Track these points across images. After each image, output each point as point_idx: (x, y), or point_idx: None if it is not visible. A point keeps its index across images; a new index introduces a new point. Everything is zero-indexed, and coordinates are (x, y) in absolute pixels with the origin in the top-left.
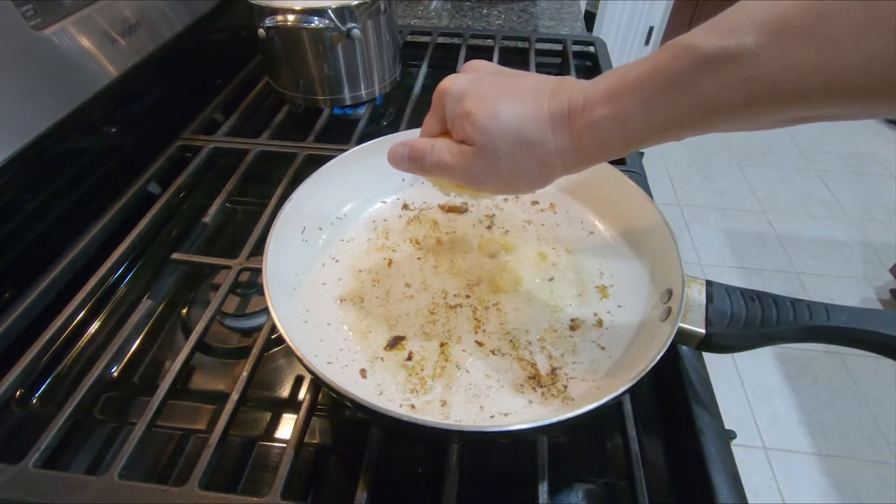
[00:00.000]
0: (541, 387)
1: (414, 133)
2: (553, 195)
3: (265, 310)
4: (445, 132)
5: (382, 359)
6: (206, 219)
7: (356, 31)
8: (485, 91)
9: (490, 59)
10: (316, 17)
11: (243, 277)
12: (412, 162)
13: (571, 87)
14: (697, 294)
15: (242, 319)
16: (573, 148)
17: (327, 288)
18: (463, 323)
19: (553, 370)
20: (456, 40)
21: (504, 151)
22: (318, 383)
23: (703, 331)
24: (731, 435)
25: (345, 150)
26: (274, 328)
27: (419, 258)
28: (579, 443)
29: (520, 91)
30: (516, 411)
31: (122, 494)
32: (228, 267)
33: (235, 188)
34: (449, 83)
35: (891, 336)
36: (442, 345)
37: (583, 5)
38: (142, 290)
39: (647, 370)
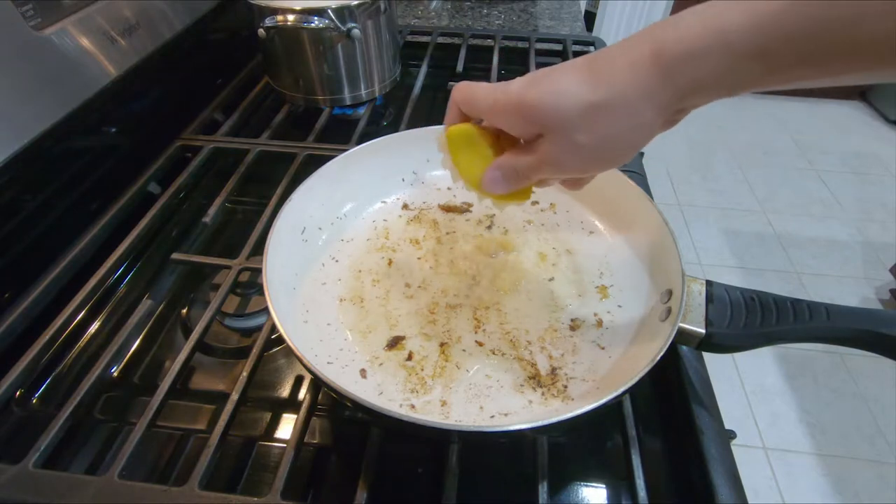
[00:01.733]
0: (541, 387)
1: (415, 133)
2: (553, 195)
3: (265, 310)
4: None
5: (382, 359)
6: (206, 219)
7: (356, 31)
8: (537, 78)
9: (490, 60)
10: (316, 17)
11: (243, 277)
12: (508, 179)
13: (650, 31)
14: (697, 294)
15: (242, 319)
16: (664, 85)
17: (327, 288)
18: (463, 323)
19: (553, 370)
20: (456, 40)
21: (577, 122)
22: (318, 383)
23: (703, 331)
24: (731, 435)
25: (345, 150)
26: (274, 328)
27: (419, 258)
28: (579, 443)
29: (575, 66)
30: (516, 411)
31: (122, 494)
32: (228, 267)
33: (235, 188)
34: (510, 87)
35: (891, 336)
36: (442, 345)
37: (583, 5)
38: (142, 290)
39: (647, 370)
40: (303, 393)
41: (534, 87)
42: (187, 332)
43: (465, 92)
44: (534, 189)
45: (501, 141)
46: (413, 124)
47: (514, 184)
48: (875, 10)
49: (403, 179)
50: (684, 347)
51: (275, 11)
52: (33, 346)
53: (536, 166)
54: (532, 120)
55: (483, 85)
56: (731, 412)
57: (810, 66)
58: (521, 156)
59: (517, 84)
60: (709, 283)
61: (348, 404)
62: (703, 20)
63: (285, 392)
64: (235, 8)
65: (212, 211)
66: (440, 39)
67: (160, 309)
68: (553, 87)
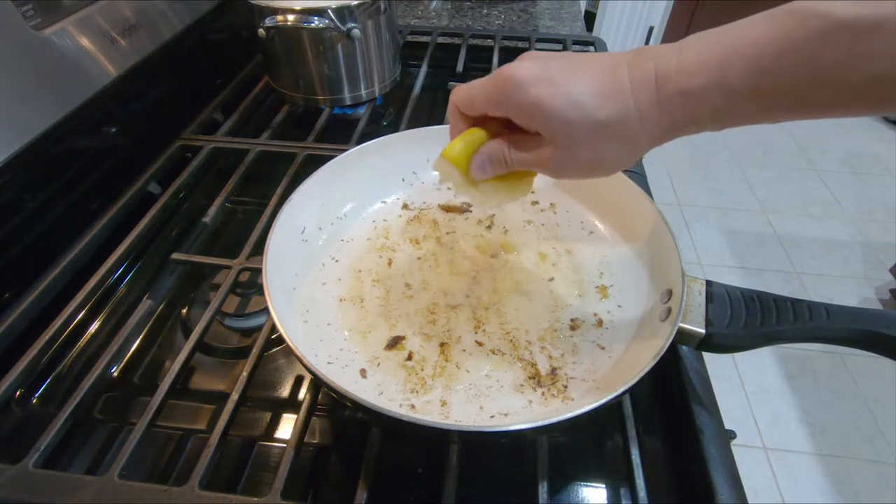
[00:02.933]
0: (541, 387)
1: (415, 133)
2: (553, 195)
3: (265, 310)
4: (488, 119)
5: (382, 359)
6: (206, 219)
7: (356, 31)
8: (553, 75)
9: (490, 60)
10: (316, 17)
11: (243, 277)
12: (494, 165)
13: (654, 54)
14: (697, 294)
15: (242, 319)
16: (661, 116)
17: (327, 288)
18: (463, 323)
19: (553, 370)
20: (456, 40)
21: (581, 138)
22: (318, 383)
23: (703, 331)
24: (731, 435)
25: (345, 150)
26: (274, 328)
27: (419, 258)
28: (579, 443)
29: (591, 69)
30: (516, 411)
31: (122, 494)
32: (228, 267)
33: (235, 188)
34: (514, 70)
35: (891, 336)
36: (442, 345)
37: (583, 5)
38: (142, 290)
39: (647, 370)
40: (303, 393)
41: (549, 87)
42: (187, 332)
43: (461, 92)
44: (534, 189)
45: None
46: (413, 124)
47: (500, 170)
48: (868, 52)
49: (403, 179)
50: (684, 347)
51: (275, 11)
52: (33, 346)
53: (530, 164)
54: (538, 121)
55: (477, 81)
56: (731, 412)
57: (805, 107)
58: (517, 151)
59: (526, 63)
60: (709, 283)
61: (348, 404)
62: (702, 58)
63: (285, 392)
64: (235, 8)
65: (212, 211)
66: (440, 39)
67: (160, 309)
68: (567, 93)
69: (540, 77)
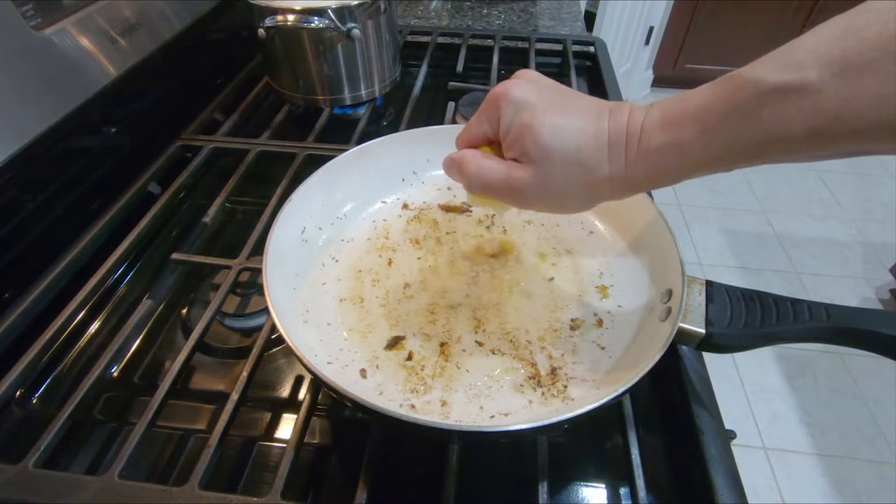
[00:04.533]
0: (541, 387)
1: (415, 133)
2: None
3: (265, 310)
4: (489, 140)
5: (382, 359)
6: (206, 219)
7: (356, 31)
8: (547, 106)
9: (490, 59)
10: (316, 17)
11: (243, 277)
12: (462, 175)
13: (630, 112)
14: (697, 294)
15: (242, 319)
16: (625, 176)
17: (327, 288)
18: (463, 323)
19: (553, 370)
20: (456, 40)
21: (559, 173)
22: (318, 383)
23: (703, 331)
24: (731, 435)
25: (345, 150)
26: (274, 328)
27: (419, 258)
28: (579, 443)
29: (581, 110)
30: (516, 411)
31: (122, 494)
32: (228, 267)
33: (235, 188)
34: (509, 88)
35: (891, 336)
36: (442, 345)
37: (583, 5)
38: (142, 290)
39: (647, 370)
40: (303, 393)
41: (540, 114)
42: (187, 332)
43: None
44: None
45: None
46: (413, 124)
47: (455, 178)
48: (798, 111)
49: (403, 179)
50: (684, 347)
51: (275, 11)
52: (33, 346)
53: (495, 187)
54: (522, 142)
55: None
56: (731, 412)
57: (754, 159)
58: (493, 169)
59: (522, 84)
60: (709, 283)
61: (348, 404)
62: (662, 119)
63: (285, 392)
64: (235, 8)
65: (212, 211)
66: (440, 39)
67: (160, 309)
68: (555, 124)
69: (533, 102)
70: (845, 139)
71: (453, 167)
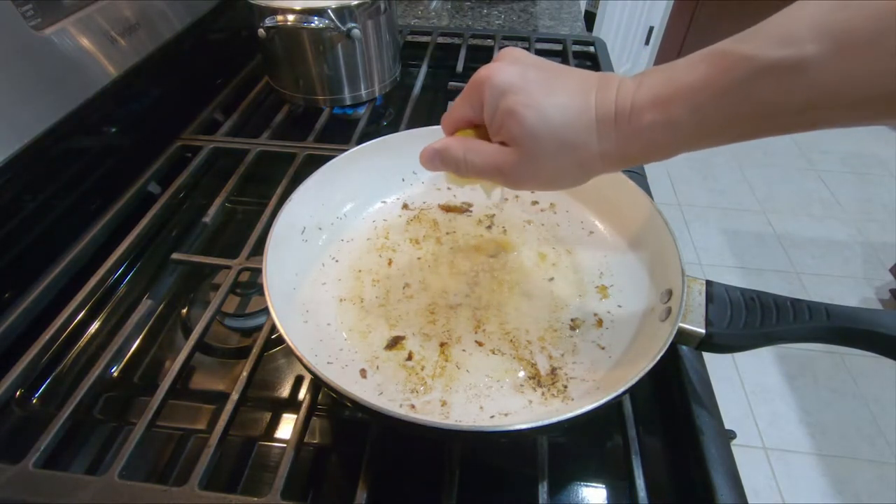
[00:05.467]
0: (541, 387)
1: (415, 133)
2: (553, 195)
3: (265, 310)
4: (474, 123)
5: (382, 359)
6: (206, 219)
7: (356, 31)
8: (531, 87)
9: (490, 59)
10: (316, 17)
11: (243, 277)
12: (446, 164)
13: (618, 86)
14: (697, 294)
15: (242, 319)
16: (618, 151)
17: (327, 288)
18: (463, 323)
19: (553, 370)
20: (456, 40)
21: (548, 154)
22: (318, 383)
23: (703, 331)
24: (731, 435)
25: (345, 150)
26: (274, 328)
27: (419, 258)
28: (579, 443)
29: (566, 88)
30: (516, 411)
31: (122, 494)
32: (228, 267)
33: (235, 188)
34: (492, 72)
35: (891, 336)
36: (442, 345)
37: (583, 5)
38: (142, 290)
39: (647, 370)
40: (303, 393)
41: (524, 97)
42: (187, 332)
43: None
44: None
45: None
46: (413, 124)
47: (451, 169)
48: (795, 87)
49: (403, 179)
50: (684, 347)
51: (275, 11)
52: (33, 346)
53: (487, 170)
54: (508, 127)
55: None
56: (731, 412)
57: (748, 135)
58: (474, 155)
59: (504, 67)
60: (709, 283)
61: (348, 404)
62: (653, 96)
63: (285, 392)
64: (235, 8)
65: (212, 211)
66: (440, 39)
67: (160, 309)
68: (541, 107)
69: (517, 86)
70: (843, 112)
71: (435, 158)
